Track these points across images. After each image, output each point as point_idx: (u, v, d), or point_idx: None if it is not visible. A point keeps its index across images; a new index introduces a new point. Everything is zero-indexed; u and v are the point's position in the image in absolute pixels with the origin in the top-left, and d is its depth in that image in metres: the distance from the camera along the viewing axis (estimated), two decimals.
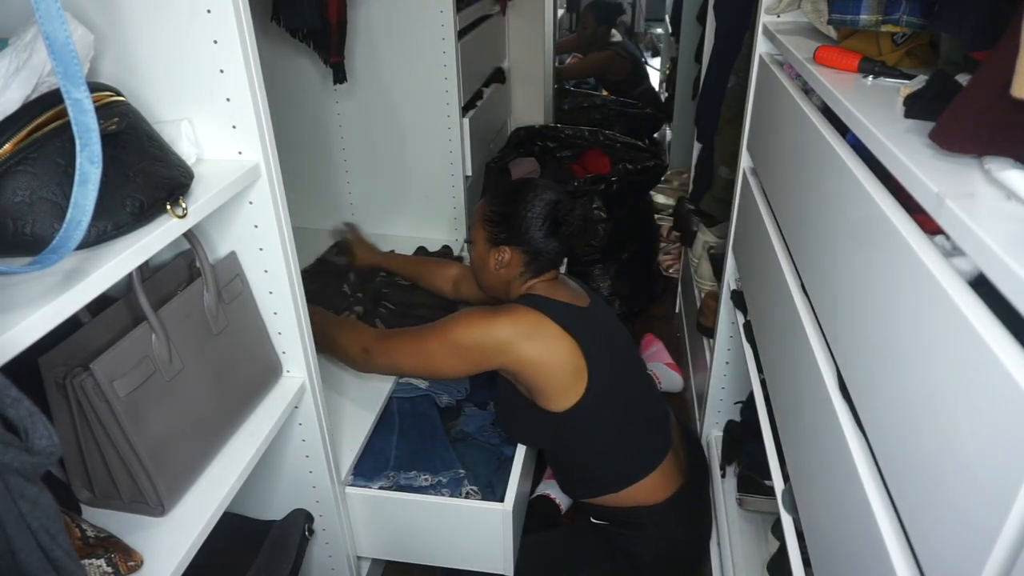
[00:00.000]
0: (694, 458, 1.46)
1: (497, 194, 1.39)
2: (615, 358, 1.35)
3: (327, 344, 1.42)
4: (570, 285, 1.41)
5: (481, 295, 1.53)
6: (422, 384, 1.52)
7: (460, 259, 1.94)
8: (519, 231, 1.33)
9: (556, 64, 2.76)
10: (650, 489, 1.32)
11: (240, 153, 0.93)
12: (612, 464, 1.33)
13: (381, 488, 1.31)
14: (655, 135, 3.28)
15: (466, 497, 1.29)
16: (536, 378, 1.26)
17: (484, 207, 1.39)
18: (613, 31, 3.83)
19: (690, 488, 1.38)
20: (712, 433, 1.66)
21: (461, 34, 1.89)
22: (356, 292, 1.72)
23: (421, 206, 2.09)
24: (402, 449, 1.39)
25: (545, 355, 1.25)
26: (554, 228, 1.33)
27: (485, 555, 1.31)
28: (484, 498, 1.29)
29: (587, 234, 1.33)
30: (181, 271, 1.03)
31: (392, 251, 1.87)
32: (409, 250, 2.04)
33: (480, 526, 1.27)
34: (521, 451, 1.37)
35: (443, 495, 1.29)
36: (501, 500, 1.27)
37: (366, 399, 1.44)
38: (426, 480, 1.32)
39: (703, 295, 1.86)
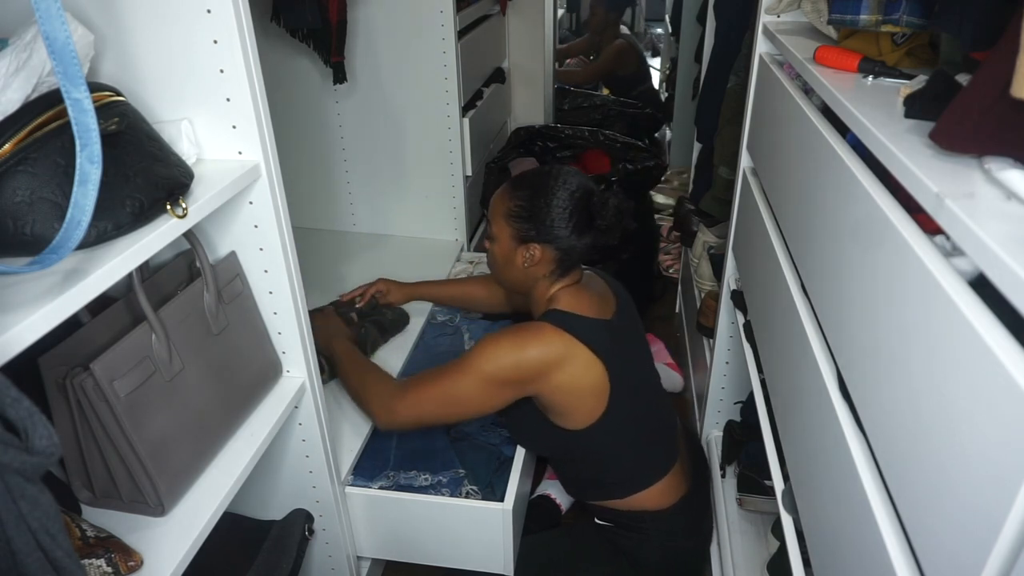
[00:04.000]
0: (697, 464, 1.46)
1: (519, 185, 1.27)
2: (635, 375, 1.31)
3: (352, 390, 1.37)
4: (596, 287, 1.33)
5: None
6: None
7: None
8: (550, 227, 1.23)
9: (556, 67, 2.76)
10: (657, 495, 1.31)
11: (240, 153, 0.93)
12: (620, 474, 1.31)
13: (381, 488, 1.31)
14: (655, 135, 3.27)
15: (466, 497, 1.29)
16: (561, 403, 1.22)
17: (506, 200, 1.27)
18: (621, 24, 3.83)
19: (694, 494, 1.37)
20: (712, 433, 1.66)
21: (461, 34, 1.89)
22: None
23: (421, 206, 2.08)
24: (402, 449, 1.39)
25: (575, 383, 1.19)
26: (588, 223, 1.23)
27: (485, 555, 1.31)
28: (484, 498, 1.29)
29: (621, 226, 1.27)
30: (181, 271, 1.03)
31: (420, 283, 1.71)
32: (409, 250, 2.05)
33: (480, 526, 1.27)
34: (521, 451, 1.37)
35: (443, 495, 1.29)
36: (501, 500, 1.26)
37: None
38: (426, 480, 1.32)
39: (703, 295, 1.86)
